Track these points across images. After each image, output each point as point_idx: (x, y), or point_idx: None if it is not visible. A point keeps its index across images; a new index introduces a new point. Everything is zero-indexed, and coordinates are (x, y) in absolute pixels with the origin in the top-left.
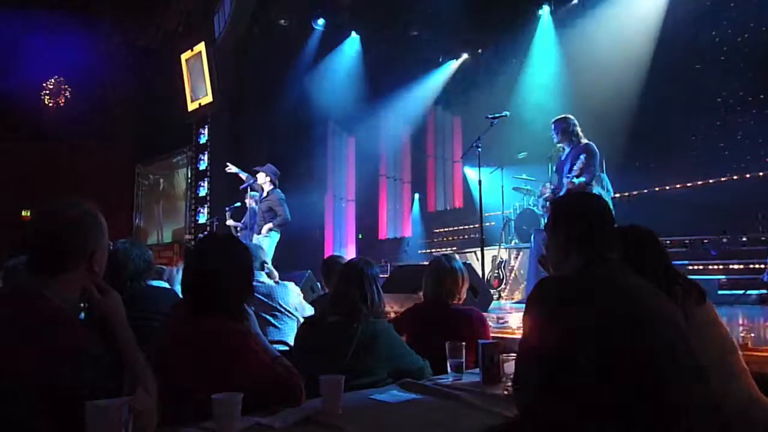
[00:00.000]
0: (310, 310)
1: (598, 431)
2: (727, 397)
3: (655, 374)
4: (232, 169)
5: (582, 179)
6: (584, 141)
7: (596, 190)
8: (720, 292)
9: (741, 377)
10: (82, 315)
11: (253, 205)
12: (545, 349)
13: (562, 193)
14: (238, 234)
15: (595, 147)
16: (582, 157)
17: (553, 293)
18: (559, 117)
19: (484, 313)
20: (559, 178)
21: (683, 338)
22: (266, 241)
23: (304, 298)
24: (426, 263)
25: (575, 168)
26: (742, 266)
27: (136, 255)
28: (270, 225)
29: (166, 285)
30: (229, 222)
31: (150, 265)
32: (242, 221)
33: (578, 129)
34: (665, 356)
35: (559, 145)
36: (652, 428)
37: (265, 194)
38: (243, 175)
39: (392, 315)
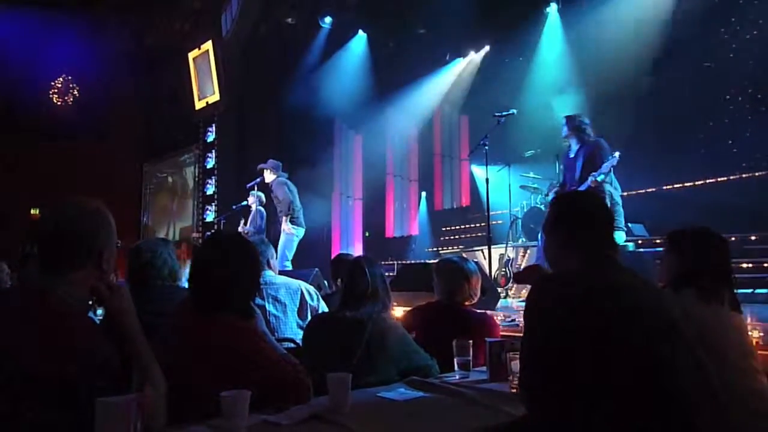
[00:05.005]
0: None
1: (600, 431)
2: (752, 396)
3: (655, 374)
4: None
5: (603, 176)
6: (593, 138)
7: (606, 188)
8: None
9: (760, 378)
10: (92, 313)
11: (258, 207)
12: (544, 348)
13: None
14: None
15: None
16: (613, 155)
17: (552, 293)
18: (571, 114)
19: (492, 312)
20: (569, 175)
21: (684, 337)
22: (284, 237)
23: None
24: (434, 261)
25: (608, 164)
26: (750, 265)
27: (156, 253)
28: (285, 217)
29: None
30: (241, 228)
31: (172, 264)
32: (248, 224)
33: (589, 128)
34: (665, 356)
35: (567, 141)
36: (653, 428)
37: (271, 187)
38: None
39: (400, 313)
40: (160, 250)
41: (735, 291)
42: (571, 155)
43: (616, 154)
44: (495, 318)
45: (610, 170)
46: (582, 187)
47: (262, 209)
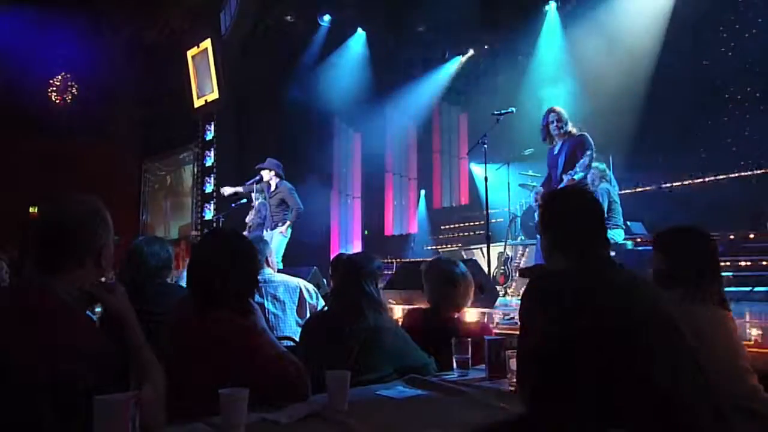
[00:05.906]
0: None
1: (597, 430)
2: (740, 395)
3: (654, 372)
4: (227, 191)
5: (582, 174)
6: (577, 132)
7: (603, 186)
8: (726, 288)
9: (748, 376)
10: (90, 311)
11: (261, 200)
12: (538, 347)
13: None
14: (248, 231)
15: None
16: (588, 152)
17: (543, 292)
18: (555, 108)
19: (490, 311)
20: (554, 172)
21: (681, 335)
22: (278, 238)
23: None
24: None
25: (582, 163)
26: (749, 263)
27: (153, 252)
28: (288, 222)
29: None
30: (249, 219)
31: (168, 262)
32: (250, 219)
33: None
34: (660, 354)
35: (553, 141)
36: (651, 427)
37: (273, 188)
38: (240, 188)
39: (399, 312)
40: (150, 248)
41: (722, 289)
42: (555, 152)
43: (588, 152)
44: (490, 328)
45: (587, 168)
46: (560, 186)
47: (265, 201)
